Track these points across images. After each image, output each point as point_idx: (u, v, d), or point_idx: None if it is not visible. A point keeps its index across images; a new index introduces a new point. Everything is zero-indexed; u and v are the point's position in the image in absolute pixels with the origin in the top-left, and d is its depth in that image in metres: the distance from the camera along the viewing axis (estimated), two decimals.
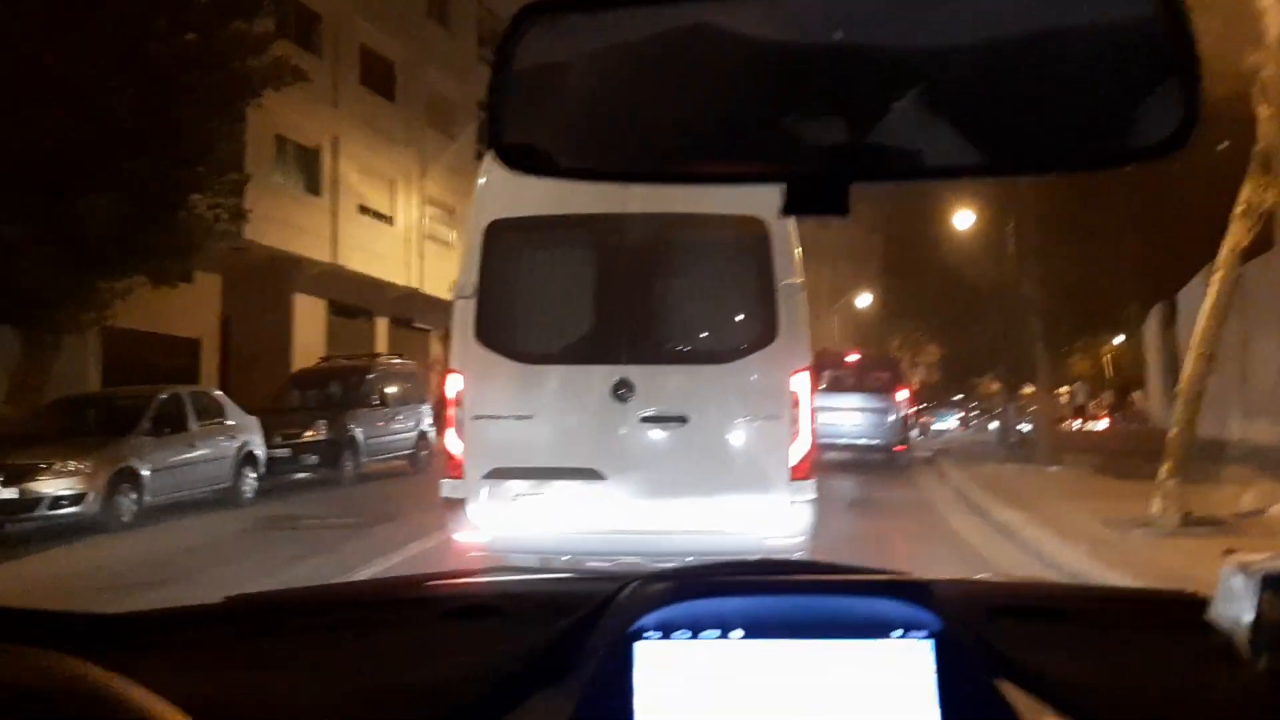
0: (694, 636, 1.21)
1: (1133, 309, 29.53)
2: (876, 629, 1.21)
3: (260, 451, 14.25)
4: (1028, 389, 29.04)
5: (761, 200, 5.19)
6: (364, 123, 27.10)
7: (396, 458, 18.21)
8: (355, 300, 27.76)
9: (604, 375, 5.70)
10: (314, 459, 15.78)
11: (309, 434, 15.86)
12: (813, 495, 5.74)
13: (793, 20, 0.90)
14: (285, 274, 24.91)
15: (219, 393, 14.68)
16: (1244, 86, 8.87)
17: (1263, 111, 8.93)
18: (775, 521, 5.65)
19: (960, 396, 48.75)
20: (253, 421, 14.36)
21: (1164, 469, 9.23)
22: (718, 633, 1.20)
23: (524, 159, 0.97)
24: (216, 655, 1.46)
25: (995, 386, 51.14)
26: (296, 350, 24.21)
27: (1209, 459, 13.92)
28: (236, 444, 13.74)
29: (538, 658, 1.23)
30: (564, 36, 0.96)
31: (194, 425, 13.11)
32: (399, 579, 2.07)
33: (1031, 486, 12.89)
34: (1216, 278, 9.21)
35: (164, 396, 12.87)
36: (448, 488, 5.80)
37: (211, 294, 22.95)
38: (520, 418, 5.79)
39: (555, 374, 5.89)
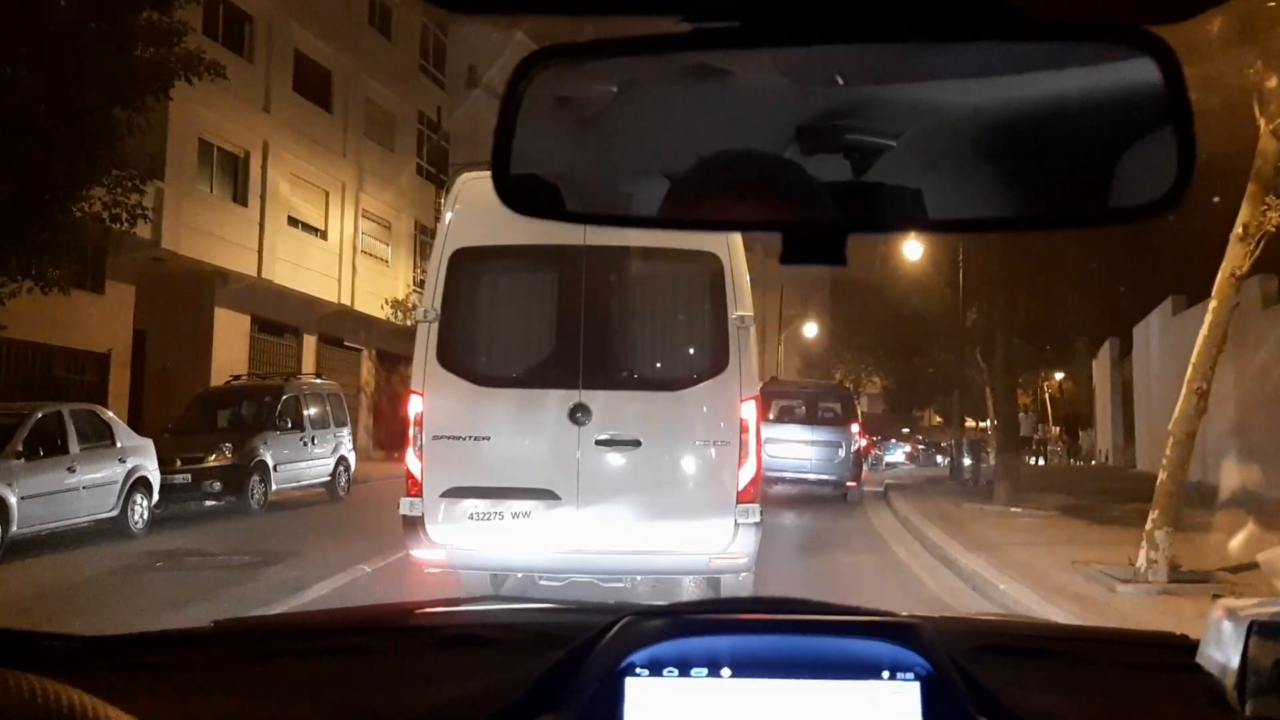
0: (683, 674, 1.23)
1: (1082, 343, 29.20)
2: (865, 670, 1.22)
3: (154, 477, 12.86)
4: (970, 423, 28.62)
5: (717, 236, 5.49)
6: (297, 131, 25.81)
7: (313, 486, 16.87)
8: (282, 317, 26.38)
9: (561, 399, 5.91)
10: (217, 486, 14.39)
11: (212, 458, 14.49)
12: (758, 518, 5.95)
13: (795, 71, 0.91)
14: (206, 287, 23.52)
15: (108, 412, 13.28)
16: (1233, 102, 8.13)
17: (1263, 125, 8.10)
18: (722, 542, 5.85)
19: (907, 430, 48.35)
20: (146, 444, 12.99)
21: (1152, 517, 8.30)
22: (706, 670, 1.22)
23: (526, 199, 0.95)
24: (203, 679, 1.46)
25: (937, 420, 51.34)
26: (216, 368, 22.74)
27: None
28: (126, 469, 12.33)
29: (530, 690, 1.24)
30: (570, 81, 0.95)
31: (75, 447, 11.69)
32: (389, 606, 2.03)
33: (997, 531, 11.92)
34: (1212, 306, 8.33)
35: (41, 415, 11.43)
36: (406, 505, 5.98)
37: (124, 305, 21.53)
38: (478, 439, 5.95)
39: (514, 397, 6.07)
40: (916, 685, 1.21)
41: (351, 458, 17.87)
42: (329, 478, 17.08)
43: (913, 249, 21.33)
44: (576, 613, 1.75)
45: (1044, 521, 13.30)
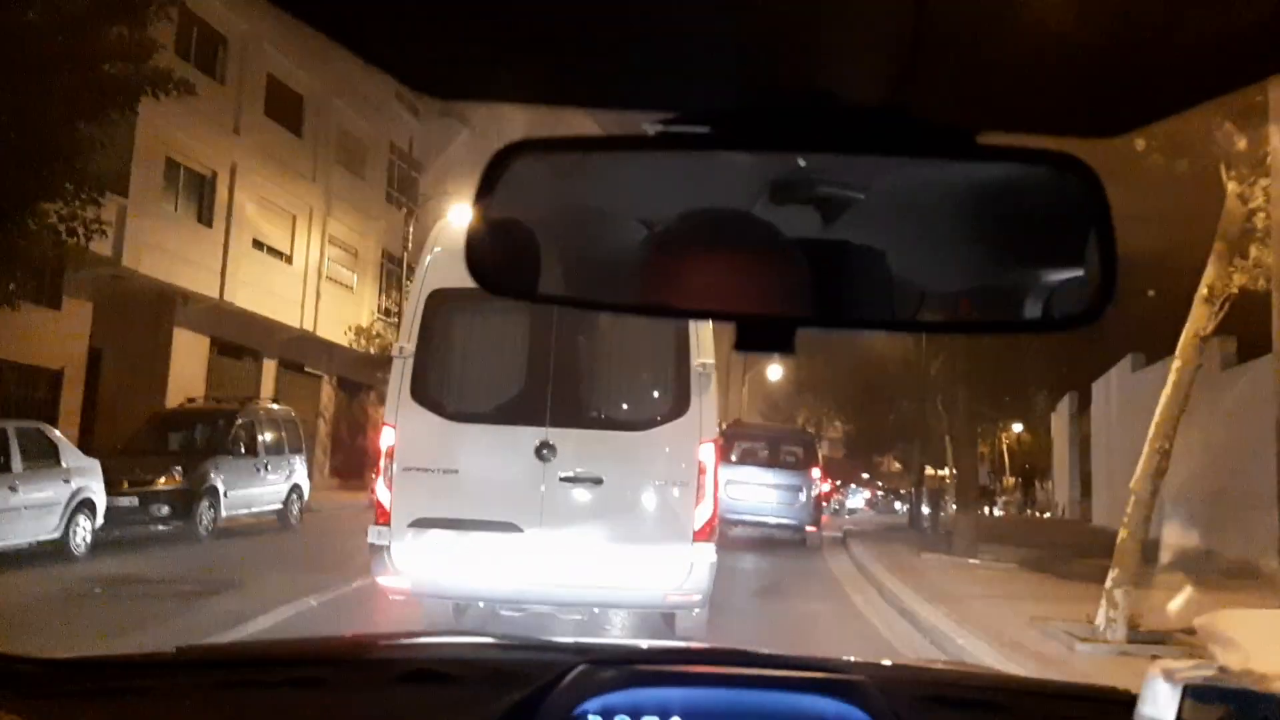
0: None
1: (1041, 396, 29.38)
2: None
3: (99, 499, 12.53)
4: (929, 471, 28.59)
5: None
6: (266, 154, 25.61)
7: (265, 513, 16.54)
8: (242, 340, 26.05)
9: (528, 436, 6.12)
10: (165, 510, 14.02)
11: (161, 481, 14.13)
12: (713, 557, 6.16)
13: (758, 173, 0.99)
14: (166, 307, 23.18)
15: (55, 431, 12.93)
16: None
17: (1231, 187, 8.14)
18: (678, 579, 6.05)
19: (867, 475, 48.41)
20: (93, 465, 12.65)
21: (1112, 575, 8.25)
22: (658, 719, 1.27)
23: (499, 280, 1.00)
24: (164, 708, 1.47)
25: (896, 466, 51.44)
26: (173, 390, 22.34)
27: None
28: (70, 489, 11.98)
29: None
30: (544, 171, 1.00)
31: (19, 466, 11.37)
32: (350, 638, 2.12)
33: (956, 583, 11.85)
34: (1175, 366, 8.34)
35: None
36: (374, 534, 6.12)
37: (80, 322, 21.13)
38: (447, 471, 6.14)
39: (483, 433, 6.26)
40: None
41: (306, 485, 17.56)
42: (281, 505, 16.77)
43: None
44: (535, 650, 1.79)
45: (1003, 574, 13.26)
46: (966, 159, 0.92)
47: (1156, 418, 8.38)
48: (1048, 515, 34.42)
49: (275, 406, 18.09)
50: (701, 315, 1.16)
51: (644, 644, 2.30)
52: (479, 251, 0.97)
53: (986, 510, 33.20)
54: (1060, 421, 29.57)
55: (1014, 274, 0.99)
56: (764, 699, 1.31)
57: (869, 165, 0.96)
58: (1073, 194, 0.90)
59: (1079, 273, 0.94)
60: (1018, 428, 39.15)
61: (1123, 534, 8.40)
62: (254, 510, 16.19)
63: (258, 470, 16.11)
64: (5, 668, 1.46)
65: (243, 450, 15.91)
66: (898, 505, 45.32)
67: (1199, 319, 8.27)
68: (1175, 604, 9.27)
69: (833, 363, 31.31)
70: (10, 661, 1.48)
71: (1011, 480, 43.22)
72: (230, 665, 1.73)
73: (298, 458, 17.34)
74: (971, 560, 14.39)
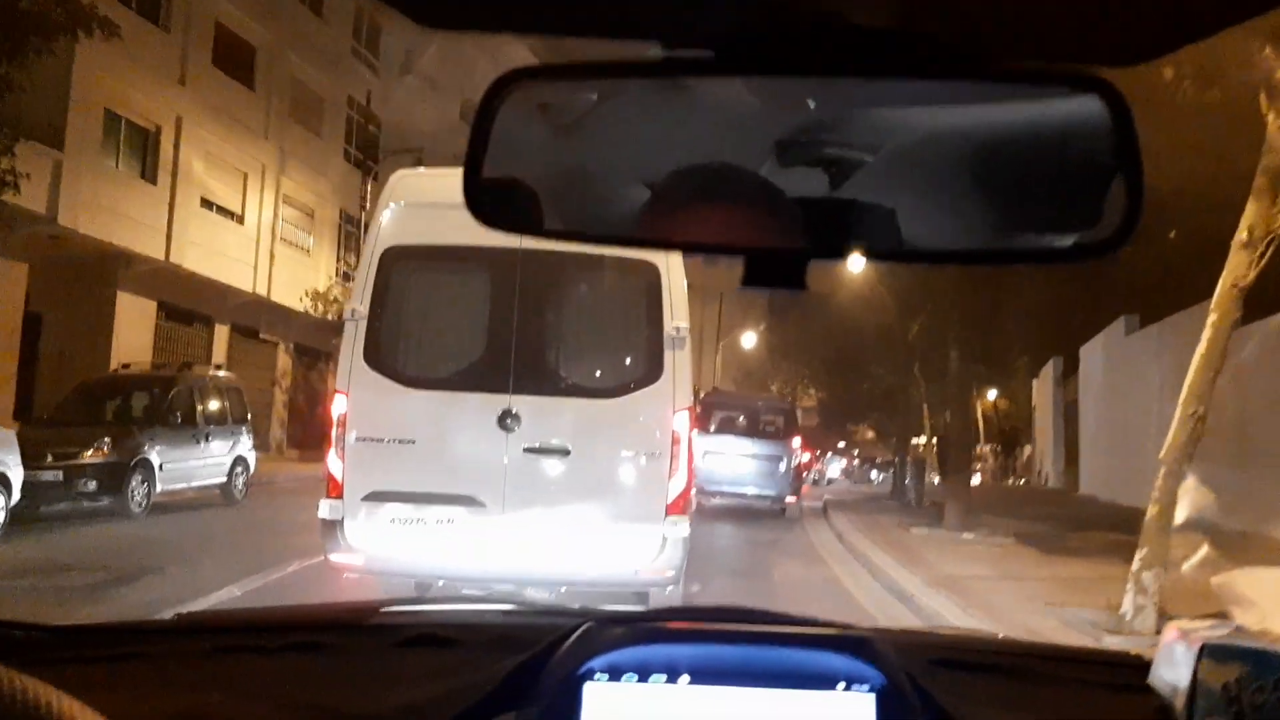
0: (642, 680, 1.24)
1: (1022, 362, 28.60)
2: (821, 681, 1.24)
3: (15, 474, 11.32)
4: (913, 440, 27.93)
5: None
6: (214, 108, 24.21)
7: (208, 486, 15.40)
8: (192, 304, 24.76)
9: (489, 404, 5.79)
10: (92, 485, 12.84)
11: (88, 454, 12.93)
12: (687, 531, 5.85)
13: (765, 98, 0.93)
14: (109, 269, 21.87)
15: None
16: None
17: (1272, 118, 7.18)
18: (649, 555, 5.76)
19: (843, 445, 47.79)
20: (8, 437, 11.46)
21: (1139, 556, 7.33)
22: (665, 677, 1.24)
23: (497, 214, 0.97)
24: (164, 673, 1.46)
25: (870, 435, 51.01)
26: (118, 356, 21.03)
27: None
28: None
29: (490, 693, 1.25)
30: (544, 99, 0.97)
31: None
32: (352, 604, 1.98)
33: (953, 562, 10.89)
34: (1210, 321, 7.37)
35: None
36: (325, 508, 5.79)
37: (14, 285, 19.81)
38: (403, 441, 5.82)
39: (441, 400, 5.94)
40: (871, 697, 1.23)
41: (251, 457, 16.39)
42: (225, 479, 15.59)
43: (855, 262, 20.38)
44: (539, 615, 1.81)
45: (1001, 551, 12.31)
46: (983, 82, 0.89)
47: (1189, 379, 7.44)
48: (1023, 482, 33.67)
49: (219, 373, 16.90)
50: (708, 250, 0.98)
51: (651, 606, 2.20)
52: (476, 185, 0.94)
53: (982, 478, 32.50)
54: (1044, 387, 28.73)
55: (1032, 202, 0.94)
56: (773, 655, 1.28)
57: (880, 90, 0.91)
58: (1096, 118, 0.86)
59: (1100, 201, 0.89)
60: (993, 394, 38.43)
61: (1152, 510, 7.47)
62: (194, 484, 15.00)
63: (198, 441, 14.91)
64: (0, 634, 1.46)
65: (180, 420, 14.71)
66: (874, 474, 44.75)
67: (1237, 266, 7.31)
68: (1190, 565, 8.61)
69: (808, 330, 30.95)
70: (5, 627, 1.48)
71: (988, 448, 42.59)
72: (230, 631, 1.72)
73: (242, 428, 16.14)
74: (965, 535, 13.42)
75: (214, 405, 15.58)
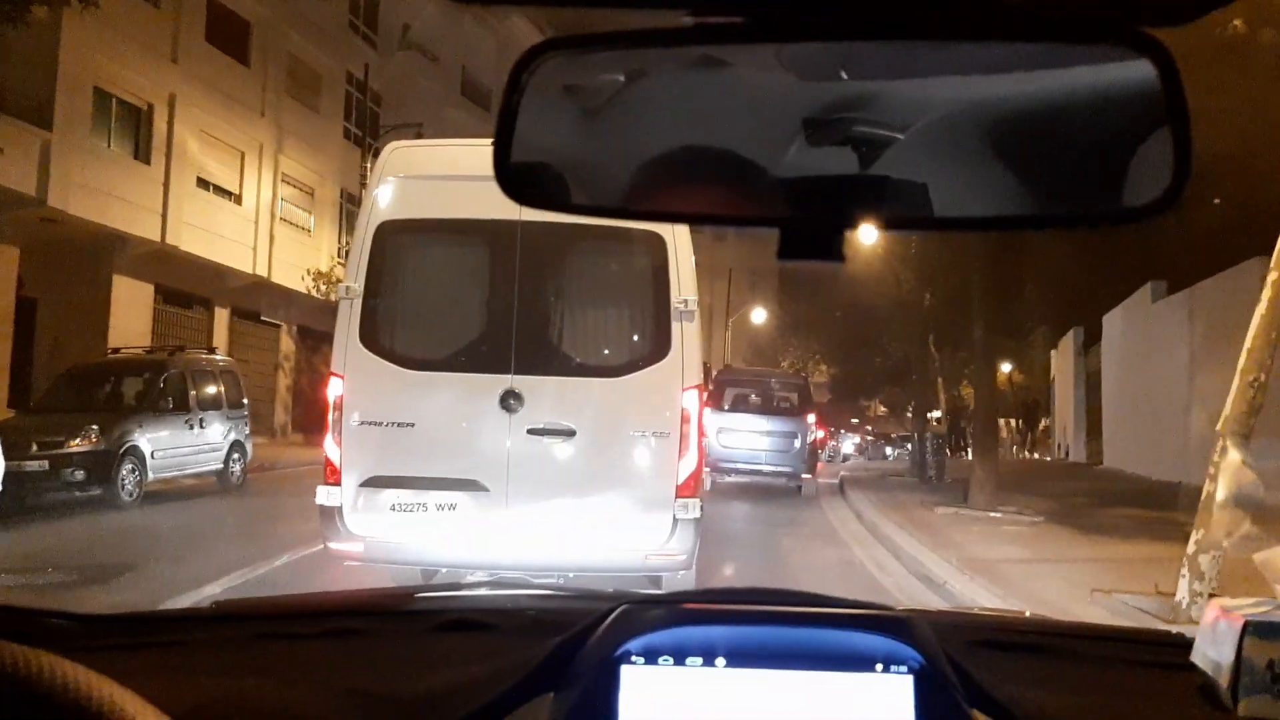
0: (679, 663, 1.23)
1: (1041, 332, 27.91)
2: (859, 662, 1.22)
3: None
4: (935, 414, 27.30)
5: None
6: (209, 85, 23.61)
7: (205, 473, 14.86)
8: (190, 287, 24.23)
9: (491, 385, 5.62)
10: (79, 475, 12.26)
11: (75, 443, 12.36)
12: (698, 514, 5.66)
13: (798, 66, 0.92)
14: (103, 251, 21.33)
15: None
16: None
17: None
18: (659, 539, 5.60)
19: (856, 421, 47.26)
20: None
21: (1195, 539, 6.72)
22: (702, 660, 1.23)
23: (525, 189, 0.96)
24: (201, 660, 1.48)
25: (881, 410, 50.52)
26: (115, 341, 20.49)
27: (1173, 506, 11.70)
28: None
29: (527, 675, 1.25)
30: (574, 72, 0.96)
31: None
32: (388, 590, 2.14)
33: (985, 543, 10.29)
34: (1272, 279, 6.73)
35: None
36: (323, 494, 5.64)
37: (5, 269, 19.32)
38: (402, 425, 5.67)
39: (441, 381, 5.78)
40: (910, 678, 1.21)
41: (248, 443, 15.80)
42: (221, 466, 15.03)
43: (868, 234, 19.78)
44: (575, 599, 1.81)
45: (1034, 530, 11.68)
46: (1022, 38, 0.86)
47: (1249, 344, 6.80)
48: (1040, 457, 33.00)
49: (214, 356, 16.31)
50: (743, 223, 0.95)
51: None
52: (506, 160, 0.92)
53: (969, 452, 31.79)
54: (1064, 358, 27.99)
55: (1074, 164, 0.90)
56: (811, 636, 1.24)
57: (914, 55, 0.89)
58: (1140, 76, 0.84)
59: (1144, 162, 0.86)
60: (1006, 367, 37.73)
61: (1209, 488, 6.84)
62: (188, 472, 14.45)
63: (191, 427, 14.32)
64: (39, 624, 1.47)
65: (173, 406, 14.11)
66: (888, 451, 44.20)
67: None
68: (1231, 542, 7.72)
69: (819, 305, 30.48)
70: (44, 616, 1.49)
71: (1010, 421, 41.89)
72: (267, 618, 1.73)
73: (238, 413, 15.55)
74: (993, 514, 12.78)
75: (209, 389, 14.99)
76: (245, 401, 15.89)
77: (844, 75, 0.90)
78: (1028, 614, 2.34)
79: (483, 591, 2.01)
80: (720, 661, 1.22)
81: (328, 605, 1.87)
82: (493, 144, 0.92)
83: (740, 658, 1.22)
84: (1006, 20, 0.84)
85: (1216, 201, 11.74)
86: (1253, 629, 1.19)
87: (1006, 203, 0.93)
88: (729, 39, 0.87)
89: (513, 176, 0.93)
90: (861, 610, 1.35)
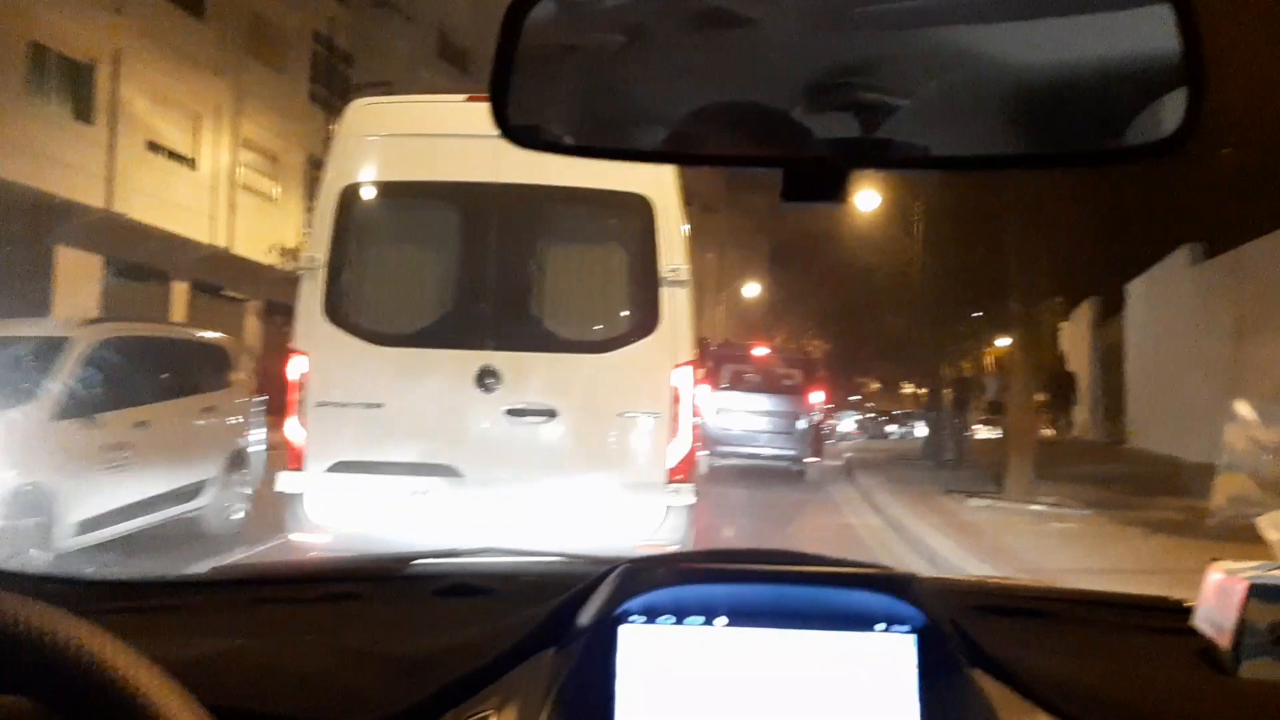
0: (679, 621, 1.23)
1: (1051, 303, 26.47)
2: (860, 621, 1.22)
3: None
4: (909, 389, 25.98)
5: (649, 176, 5.23)
6: (159, 40, 21.82)
7: None
8: (144, 259, 22.48)
9: (466, 362, 5.40)
10: None
11: None
12: (692, 499, 5.45)
13: (801, 6, 0.91)
14: (43, 220, 19.60)
15: None
16: None
17: None
18: (650, 527, 5.35)
19: (857, 397, 46.07)
20: None
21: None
22: (702, 619, 1.23)
23: (526, 134, 0.95)
24: (200, 622, 1.49)
25: (875, 386, 49.38)
26: (61, 318, 18.92)
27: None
28: None
29: (528, 634, 1.26)
30: (570, 14, 0.96)
31: None
32: (385, 555, 1.90)
33: (1035, 546, 8.70)
34: None
35: None
36: (284, 481, 5.44)
37: None
38: (370, 406, 5.42)
39: (412, 358, 5.54)
40: (912, 638, 1.20)
41: None
42: None
43: (867, 200, 18.49)
44: (575, 563, 1.81)
45: (1087, 528, 10.05)
46: None
47: None
48: (1056, 435, 31.41)
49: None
50: (746, 163, 1.01)
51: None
52: (503, 104, 0.92)
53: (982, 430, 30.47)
54: (1078, 330, 26.48)
55: (1085, 100, 0.88)
56: (812, 595, 1.23)
57: None
58: (1157, 11, 0.83)
59: (1159, 100, 0.85)
60: (1003, 342, 36.32)
61: None
62: None
63: None
64: (35, 587, 1.45)
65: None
66: (890, 429, 42.88)
67: None
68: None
69: (814, 275, 29.35)
70: (40, 581, 1.50)
71: (1041, 396, 40.37)
72: (265, 583, 1.74)
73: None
74: (1034, 506, 11.12)
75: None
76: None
77: (853, 14, 0.88)
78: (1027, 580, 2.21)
79: (481, 558, 1.96)
80: (721, 621, 1.22)
81: (325, 571, 1.91)
82: (490, 88, 0.90)
83: (741, 617, 1.22)
84: None
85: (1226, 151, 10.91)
86: (1256, 591, 1.21)
87: (1016, 140, 0.91)
88: None
89: (511, 120, 0.91)
90: (863, 569, 1.34)
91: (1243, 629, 1.20)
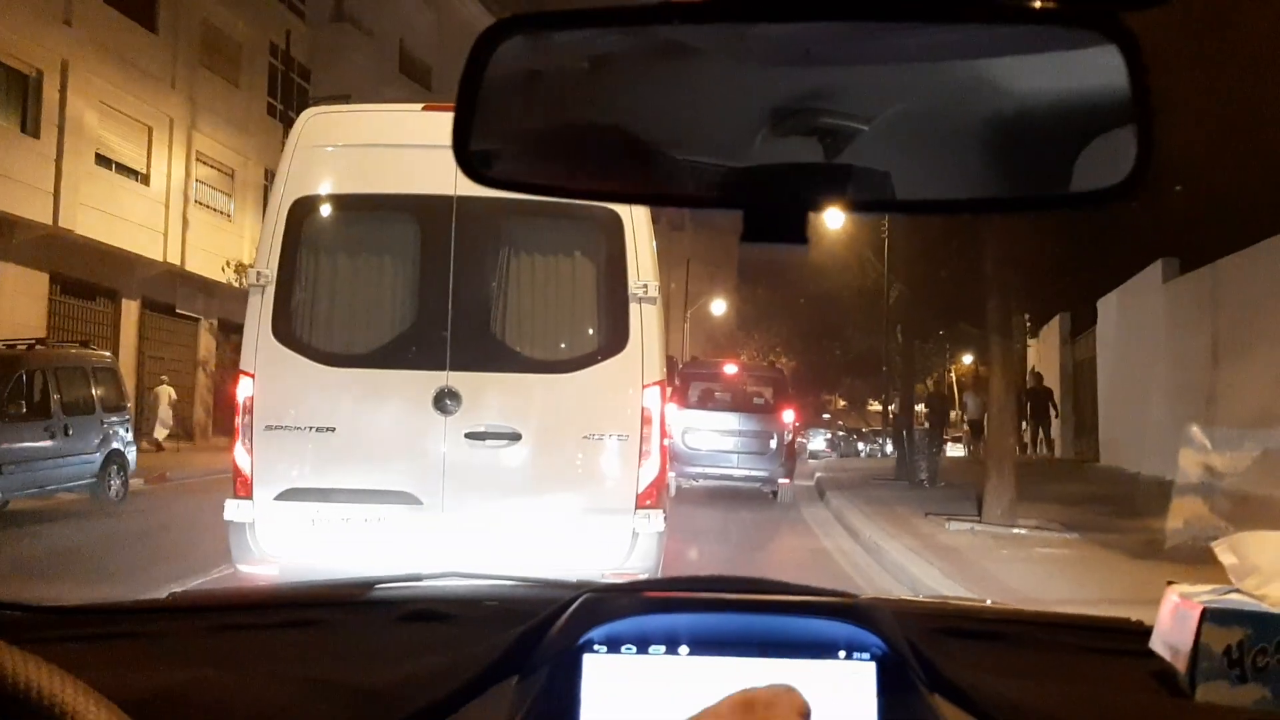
0: (641, 651, 1.22)
1: (1020, 319, 26.25)
2: (821, 649, 1.23)
3: None
4: (874, 407, 25.83)
5: None
6: (109, 51, 21.23)
7: (77, 488, 12.50)
8: (93, 276, 21.84)
9: (424, 383, 5.18)
10: None
11: None
12: (662, 525, 5.28)
13: (763, 48, 0.91)
14: None
15: None
16: None
17: None
18: (619, 555, 5.18)
19: (827, 415, 45.89)
20: None
21: None
22: (664, 648, 1.22)
23: (485, 170, 0.95)
24: (158, 650, 1.45)
25: (842, 404, 49.16)
26: (3, 337, 18.16)
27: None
28: None
29: (491, 664, 1.24)
30: (535, 52, 0.95)
31: None
32: (348, 581, 1.85)
33: (1023, 573, 8.24)
34: None
35: None
36: (232, 509, 5.16)
37: None
38: (322, 430, 5.20)
39: (366, 380, 5.32)
40: (872, 665, 1.21)
41: (130, 452, 13.43)
42: (94, 479, 12.66)
43: (833, 219, 18.15)
44: (539, 588, 1.79)
45: (1071, 552, 9.63)
46: (988, 20, 0.87)
47: None
48: (1024, 454, 31.22)
49: (86, 351, 13.89)
50: (707, 205, 0.96)
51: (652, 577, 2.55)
52: (465, 142, 0.91)
53: (950, 448, 30.11)
54: (1046, 347, 26.21)
55: (1039, 147, 0.90)
56: (774, 624, 1.25)
57: (881, 33, 0.88)
58: (1107, 58, 0.84)
59: (1111, 146, 0.86)
60: (968, 359, 36.17)
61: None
62: (48, 489, 12.09)
63: (52, 436, 12.00)
64: None
65: (27, 411, 11.77)
66: (860, 446, 42.60)
67: None
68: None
69: (781, 293, 29.25)
70: None
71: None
72: (224, 609, 1.71)
73: (117, 417, 13.20)
74: (1015, 529, 10.70)
75: (78, 391, 12.65)
76: (128, 405, 13.57)
77: (810, 57, 0.89)
78: (989, 602, 2.21)
79: (444, 582, 1.90)
80: (683, 649, 1.22)
81: (286, 596, 1.88)
82: (453, 125, 0.90)
83: (703, 645, 1.22)
84: (974, 2, 0.85)
85: (1178, 189, 11.19)
86: (1210, 615, 1.21)
87: (971, 185, 0.92)
88: (693, 19, 0.87)
89: (472, 157, 0.92)
90: (824, 597, 1.35)
91: (1198, 652, 1.21)
